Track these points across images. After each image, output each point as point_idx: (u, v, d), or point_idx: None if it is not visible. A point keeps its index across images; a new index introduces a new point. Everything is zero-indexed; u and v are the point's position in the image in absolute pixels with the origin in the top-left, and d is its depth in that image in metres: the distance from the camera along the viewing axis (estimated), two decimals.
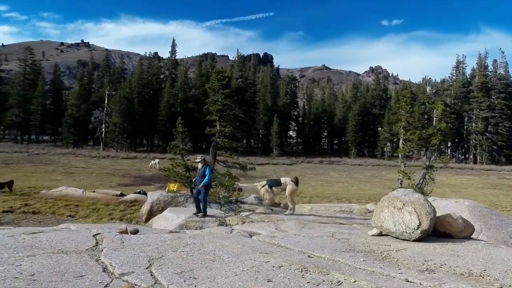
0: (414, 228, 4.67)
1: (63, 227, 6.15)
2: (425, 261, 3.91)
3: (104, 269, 3.36)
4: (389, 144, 64.10)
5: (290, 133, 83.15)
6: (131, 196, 17.63)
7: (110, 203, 16.68)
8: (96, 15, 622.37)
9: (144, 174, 29.24)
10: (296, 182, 9.02)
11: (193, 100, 63.04)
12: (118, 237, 4.73)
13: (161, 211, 12.07)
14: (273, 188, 8.81)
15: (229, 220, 7.64)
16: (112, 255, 3.81)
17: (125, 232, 5.04)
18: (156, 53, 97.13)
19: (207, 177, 8.26)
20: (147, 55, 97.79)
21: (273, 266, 3.52)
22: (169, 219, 8.24)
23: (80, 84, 67.38)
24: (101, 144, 57.65)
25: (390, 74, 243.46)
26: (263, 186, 8.89)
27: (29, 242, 4.31)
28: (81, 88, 65.04)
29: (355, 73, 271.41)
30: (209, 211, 9.74)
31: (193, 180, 10.02)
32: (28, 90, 64.86)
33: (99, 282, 3.01)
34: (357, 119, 68.22)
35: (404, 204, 4.79)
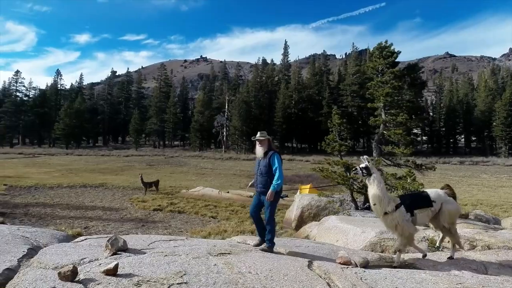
0: None
1: (240, 241, 4.79)
2: None
3: None
4: None
5: (414, 130, 73.64)
6: None
7: (246, 205, 16.02)
8: (212, 32, 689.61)
9: None
10: (453, 195, 4.55)
11: (307, 100, 61.63)
12: (351, 274, 2.92)
13: (313, 217, 10.37)
14: (415, 212, 4.19)
15: (448, 243, 5.19)
16: None
17: (349, 263, 3.22)
18: (264, 59, 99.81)
19: (278, 172, 4.29)
20: (257, 62, 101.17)
21: None
22: (348, 233, 6.25)
23: (204, 92, 73.70)
24: (223, 146, 61.29)
25: None
26: (393, 211, 4.12)
27: (226, 274, 2.84)
28: (205, 96, 70.95)
29: (488, 58, 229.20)
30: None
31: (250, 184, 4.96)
32: (163, 101, 74.32)
33: None
34: (508, 109, 55.31)
35: None
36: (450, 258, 4.34)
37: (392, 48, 9.89)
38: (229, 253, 3.45)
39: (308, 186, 18.68)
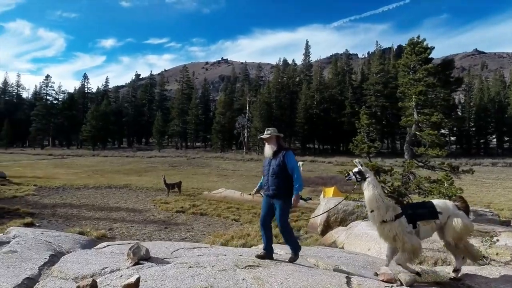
0: None
1: (280, 254, 4.43)
2: None
3: None
4: None
5: (441, 130, 70.76)
6: None
7: None
8: (233, 33, 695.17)
9: None
10: (466, 208, 3.98)
11: (329, 100, 60.68)
12: None
13: (340, 222, 9.96)
14: (418, 224, 3.74)
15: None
16: None
17: (393, 281, 2.88)
18: (285, 60, 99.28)
19: (297, 173, 3.95)
20: (278, 63, 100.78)
21: None
22: (381, 241, 5.83)
23: (225, 94, 74.15)
24: (244, 147, 61.30)
25: None
26: (392, 220, 3.70)
27: None
28: (226, 97, 71.35)
29: None
30: None
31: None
32: (185, 103, 75.37)
33: None
34: None
35: None
36: (455, 272, 3.81)
37: (425, 43, 9.32)
38: (257, 266, 3.18)
39: (332, 188, 18.18)
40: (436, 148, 8.38)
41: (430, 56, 9.34)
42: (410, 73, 9.43)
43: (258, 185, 4.61)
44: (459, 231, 3.69)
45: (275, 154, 4.16)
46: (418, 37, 9.45)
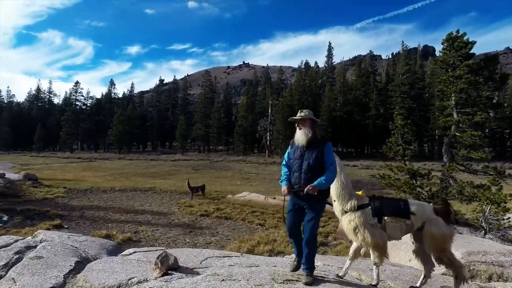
0: None
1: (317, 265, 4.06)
2: None
3: None
4: None
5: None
6: None
7: None
8: (255, 38, 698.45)
9: None
10: (446, 213, 3.43)
11: (353, 102, 59.39)
12: None
13: None
14: (385, 219, 3.30)
15: None
16: None
17: None
18: (307, 63, 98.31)
19: (333, 166, 3.22)
20: (300, 66, 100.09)
21: None
22: None
23: (247, 97, 74.33)
24: (266, 151, 61.00)
25: None
26: (355, 209, 3.36)
27: None
28: (248, 101, 71.49)
29: None
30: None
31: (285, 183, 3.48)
32: (208, 107, 76.19)
33: None
34: None
35: None
36: None
37: (465, 38, 8.67)
38: (297, 280, 2.87)
39: (360, 192, 17.57)
40: (479, 150, 7.72)
41: (471, 52, 8.69)
42: (449, 70, 8.81)
43: (286, 180, 3.41)
44: (437, 240, 3.20)
45: (312, 144, 3.24)
46: (458, 31, 8.80)
